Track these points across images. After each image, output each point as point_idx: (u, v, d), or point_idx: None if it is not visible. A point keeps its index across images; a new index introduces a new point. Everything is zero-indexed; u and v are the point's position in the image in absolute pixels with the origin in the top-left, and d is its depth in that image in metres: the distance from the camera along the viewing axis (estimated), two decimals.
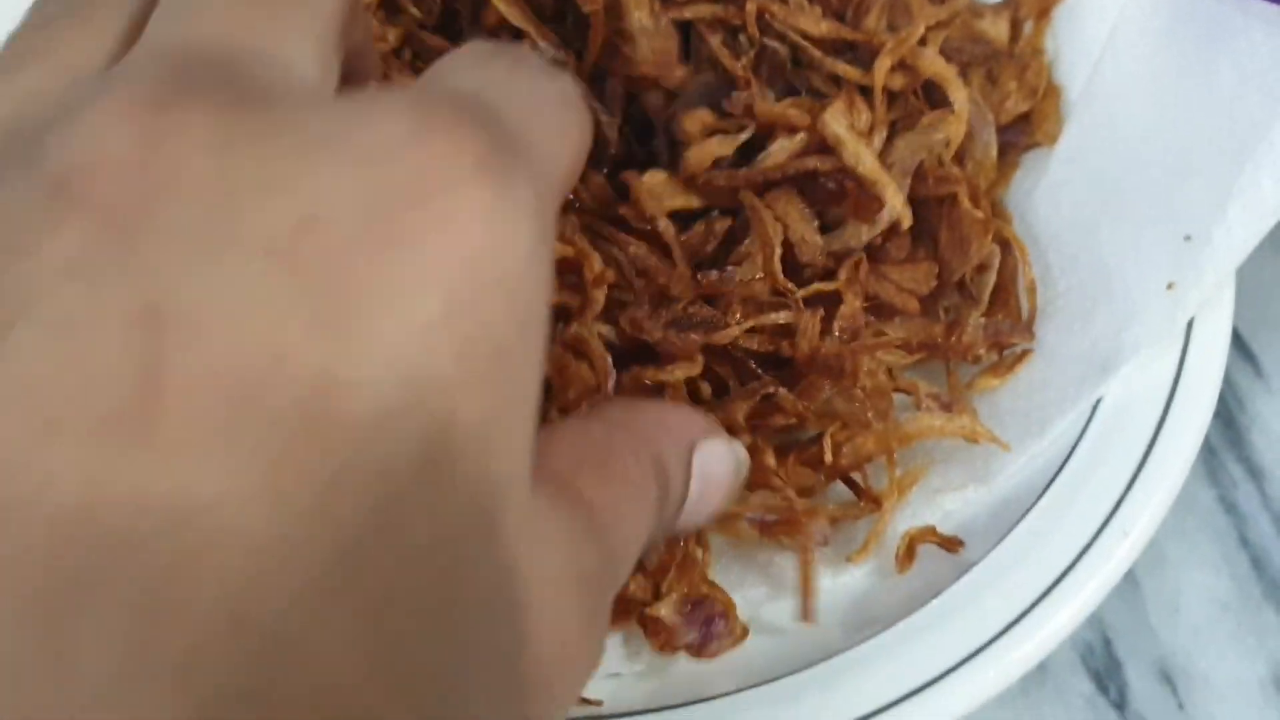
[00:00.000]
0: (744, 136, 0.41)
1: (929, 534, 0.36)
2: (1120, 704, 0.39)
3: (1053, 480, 0.36)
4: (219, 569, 0.14)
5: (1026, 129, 0.44)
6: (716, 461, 0.25)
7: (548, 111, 0.20)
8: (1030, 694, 0.40)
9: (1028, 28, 0.47)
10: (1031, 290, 0.41)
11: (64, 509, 0.14)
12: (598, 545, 0.21)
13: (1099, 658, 0.40)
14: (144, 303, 0.15)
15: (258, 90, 0.17)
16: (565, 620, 0.19)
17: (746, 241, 0.39)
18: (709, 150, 0.40)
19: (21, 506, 0.14)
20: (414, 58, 0.45)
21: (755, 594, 0.36)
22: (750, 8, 0.42)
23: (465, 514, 0.16)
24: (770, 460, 0.37)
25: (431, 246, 0.16)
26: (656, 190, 0.40)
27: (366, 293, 0.16)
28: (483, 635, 0.17)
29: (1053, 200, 0.43)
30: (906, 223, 0.39)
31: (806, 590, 0.36)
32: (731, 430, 0.36)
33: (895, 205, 0.39)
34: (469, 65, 0.20)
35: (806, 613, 0.35)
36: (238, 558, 0.14)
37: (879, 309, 0.40)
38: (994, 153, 0.43)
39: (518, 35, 0.44)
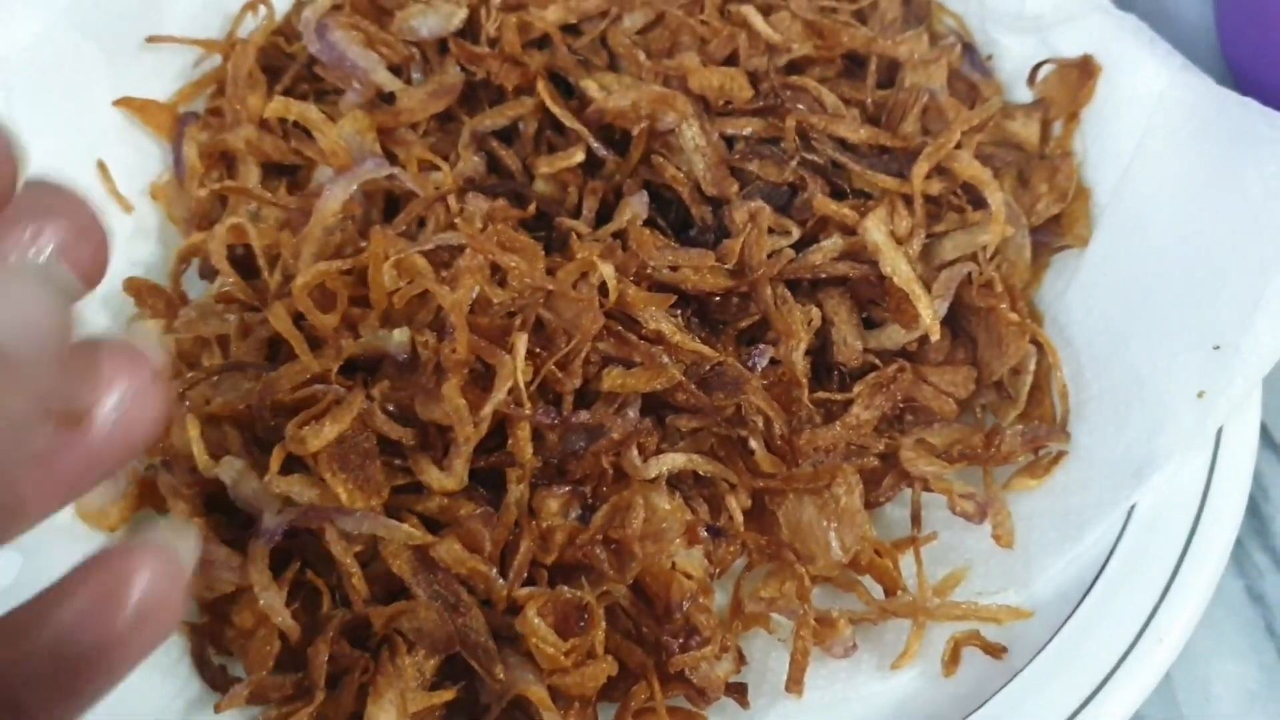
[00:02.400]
0: (796, 236, 0.43)
1: (974, 639, 0.38)
2: None
3: (1091, 587, 0.38)
4: None
5: (1058, 231, 0.46)
6: None
7: None
8: None
9: (1057, 128, 0.49)
10: (1064, 394, 0.42)
11: None
12: None
13: None
14: None
15: None
16: None
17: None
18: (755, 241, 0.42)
19: None
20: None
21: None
22: (790, 122, 0.44)
23: None
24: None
25: None
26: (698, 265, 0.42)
27: None
28: None
29: (1084, 303, 0.44)
30: (935, 337, 0.41)
31: (798, 661, 0.37)
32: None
33: (925, 318, 0.40)
34: None
35: (793, 682, 0.37)
36: None
37: (917, 411, 0.42)
38: (1028, 254, 0.45)
39: (558, 127, 0.46)
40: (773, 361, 0.41)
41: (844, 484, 0.38)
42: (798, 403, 0.40)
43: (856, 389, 0.40)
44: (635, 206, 0.43)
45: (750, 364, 0.41)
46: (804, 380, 0.40)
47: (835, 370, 0.43)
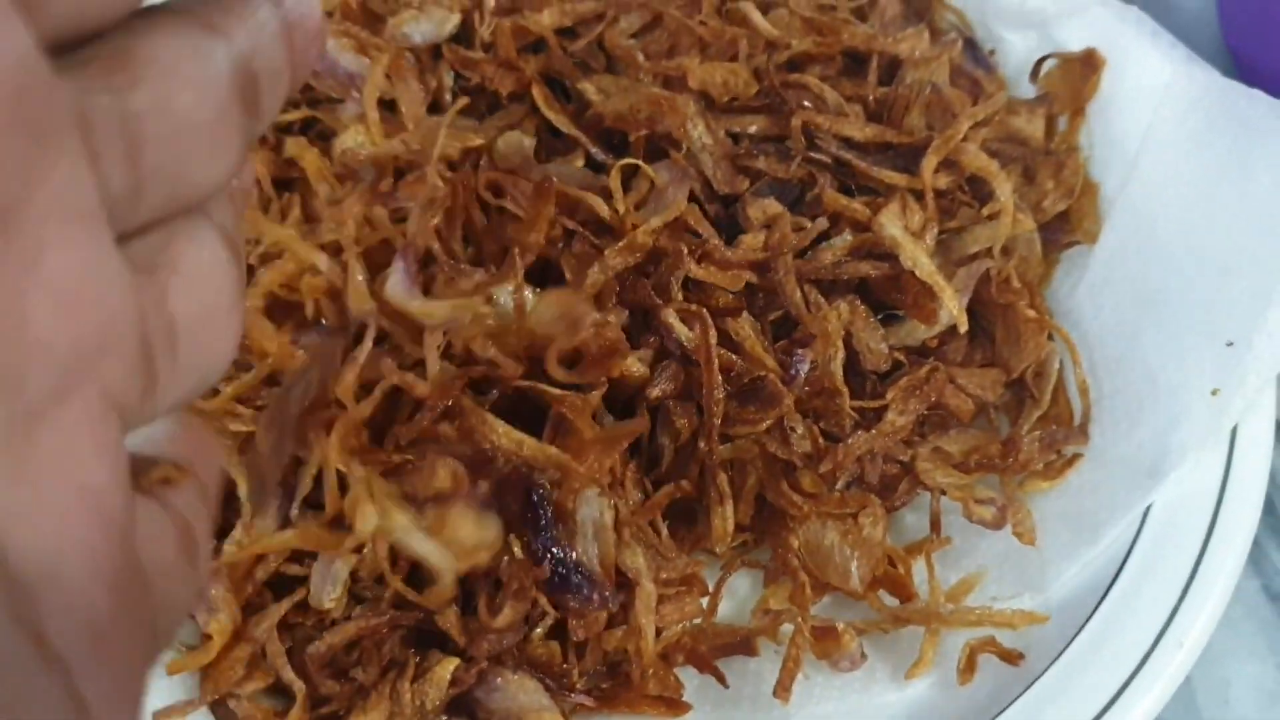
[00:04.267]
0: (815, 231, 0.42)
1: (990, 645, 0.37)
2: None
3: (1108, 591, 0.37)
4: None
5: (1065, 227, 0.46)
6: None
7: None
8: None
9: (1062, 124, 0.48)
10: (1084, 391, 0.42)
11: None
12: None
13: None
14: None
15: None
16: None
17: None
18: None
19: None
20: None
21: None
22: (796, 121, 0.44)
23: None
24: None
25: None
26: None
27: None
28: None
29: (1094, 300, 0.44)
30: (963, 327, 0.40)
31: (788, 668, 0.36)
32: None
33: (952, 310, 0.40)
34: None
35: (780, 688, 0.36)
36: None
37: (932, 412, 0.42)
38: (1039, 249, 0.45)
39: (555, 132, 0.46)
40: None
41: (871, 515, 0.37)
42: (839, 412, 0.39)
43: (890, 394, 0.39)
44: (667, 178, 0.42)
45: (792, 372, 0.40)
46: (843, 388, 0.39)
47: (861, 375, 0.42)
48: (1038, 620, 0.37)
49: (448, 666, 0.36)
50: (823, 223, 0.41)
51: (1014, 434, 0.39)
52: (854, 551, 0.37)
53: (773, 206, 0.42)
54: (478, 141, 0.43)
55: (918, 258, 0.40)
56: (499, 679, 0.36)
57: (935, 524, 0.39)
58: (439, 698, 0.36)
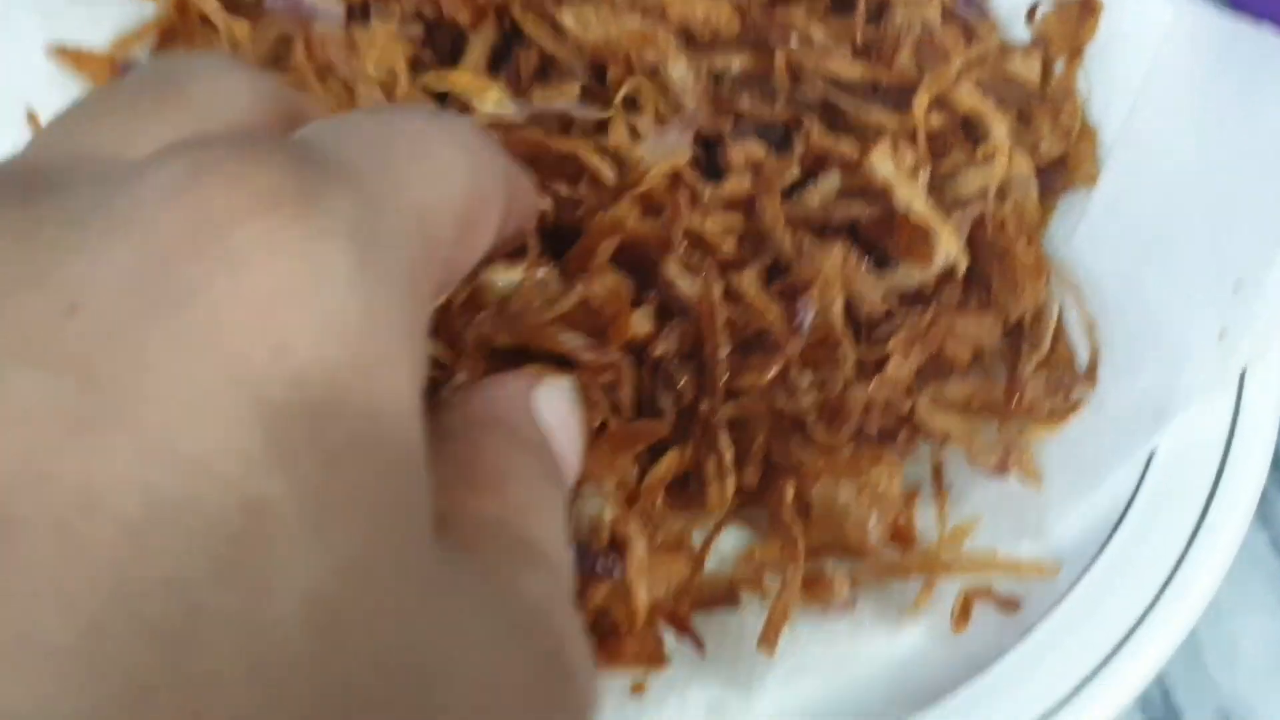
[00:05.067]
0: (798, 164, 0.40)
1: (985, 593, 0.35)
2: None
3: (1110, 537, 0.35)
4: None
5: (1063, 172, 0.44)
6: (559, 405, 0.24)
7: (415, 149, 0.18)
8: None
9: (1059, 68, 0.46)
10: (1091, 328, 0.40)
11: None
12: (533, 568, 0.18)
13: (1157, 708, 0.39)
14: None
15: (45, 189, 0.16)
16: (525, 674, 0.17)
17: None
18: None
19: None
20: None
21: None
22: (780, 59, 0.42)
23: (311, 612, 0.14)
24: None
25: (208, 302, 0.14)
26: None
27: (135, 377, 0.14)
28: None
29: (1093, 246, 0.42)
30: (964, 265, 0.38)
31: (773, 620, 0.34)
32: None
33: (951, 250, 0.38)
34: (337, 118, 0.18)
35: (764, 641, 0.34)
36: None
37: (926, 364, 0.40)
38: (1034, 193, 0.43)
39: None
40: None
41: (887, 469, 0.35)
42: (840, 363, 0.37)
43: (891, 342, 0.37)
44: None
45: (797, 321, 0.37)
46: (846, 336, 0.37)
47: (855, 325, 0.40)
48: (1046, 571, 0.35)
49: None
50: (808, 159, 0.39)
51: (1016, 377, 0.38)
52: (871, 508, 0.35)
53: (756, 149, 0.41)
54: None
55: (912, 197, 0.38)
56: None
57: (938, 473, 0.38)
58: None
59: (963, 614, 0.35)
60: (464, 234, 0.18)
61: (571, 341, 0.34)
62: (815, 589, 0.35)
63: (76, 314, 0.14)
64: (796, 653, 0.35)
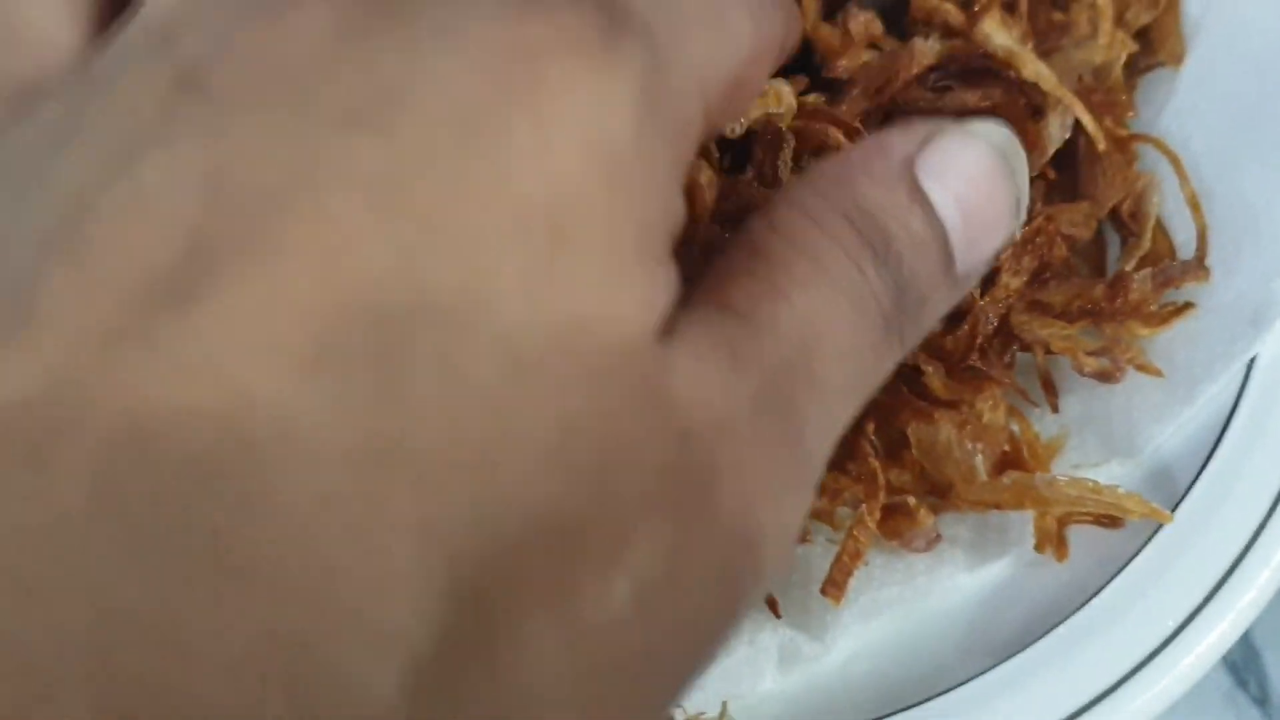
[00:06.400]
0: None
1: (1083, 515, 0.32)
2: (1262, 700, 0.36)
3: (1210, 456, 0.32)
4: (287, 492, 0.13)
5: (1146, 47, 0.40)
6: (962, 165, 0.19)
7: (704, 9, 0.18)
8: None
9: None
10: (1195, 205, 0.36)
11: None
12: (755, 370, 0.17)
13: (1234, 646, 0.37)
14: (207, 170, 0.14)
15: None
16: (740, 455, 0.16)
17: None
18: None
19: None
20: None
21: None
22: None
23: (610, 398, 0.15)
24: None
25: (506, 126, 0.15)
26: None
27: (454, 178, 0.14)
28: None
29: (1181, 130, 0.38)
30: (1101, 145, 0.34)
31: (843, 562, 0.31)
32: None
33: (1087, 120, 0.34)
34: None
35: (831, 584, 0.31)
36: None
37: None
38: (1119, 71, 0.38)
39: None
40: None
41: (990, 398, 0.31)
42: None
43: (1002, 254, 0.33)
44: None
45: None
46: None
47: None
48: (1160, 516, 0.32)
49: None
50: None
51: (1120, 273, 0.34)
52: (975, 444, 0.31)
53: (875, 25, 0.36)
54: None
55: (1039, 68, 0.34)
56: None
57: (1046, 382, 0.34)
58: None
59: (1059, 541, 0.32)
60: (734, 94, 0.18)
61: None
62: (896, 519, 0.32)
63: (401, 104, 0.15)
64: (872, 589, 0.33)
